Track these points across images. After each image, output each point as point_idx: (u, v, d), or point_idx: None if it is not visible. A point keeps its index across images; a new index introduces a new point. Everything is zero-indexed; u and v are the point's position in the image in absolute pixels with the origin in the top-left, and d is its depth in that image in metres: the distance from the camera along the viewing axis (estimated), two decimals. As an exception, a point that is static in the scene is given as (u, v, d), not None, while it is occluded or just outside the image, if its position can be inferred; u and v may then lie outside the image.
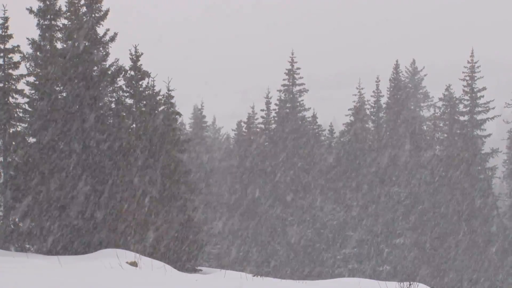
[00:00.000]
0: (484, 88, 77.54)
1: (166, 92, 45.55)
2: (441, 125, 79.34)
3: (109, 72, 43.28)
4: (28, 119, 41.57)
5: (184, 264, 42.50)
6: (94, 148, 41.62)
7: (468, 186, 73.78)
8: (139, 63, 43.54)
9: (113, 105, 43.53)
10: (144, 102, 43.43)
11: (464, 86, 77.80)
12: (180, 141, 46.10)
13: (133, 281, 22.25)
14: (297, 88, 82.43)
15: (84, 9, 43.21)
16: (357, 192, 75.54)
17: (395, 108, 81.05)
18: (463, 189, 73.66)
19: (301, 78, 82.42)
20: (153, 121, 42.94)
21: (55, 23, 42.89)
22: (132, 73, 43.55)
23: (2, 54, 40.62)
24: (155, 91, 43.92)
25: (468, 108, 77.68)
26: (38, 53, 42.23)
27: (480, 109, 77.32)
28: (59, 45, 42.92)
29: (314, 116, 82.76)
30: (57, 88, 42.06)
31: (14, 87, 40.93)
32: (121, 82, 43.79)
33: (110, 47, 43.70)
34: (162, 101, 45.04)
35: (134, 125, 43.15)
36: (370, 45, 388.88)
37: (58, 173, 40.64)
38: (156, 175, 42.31)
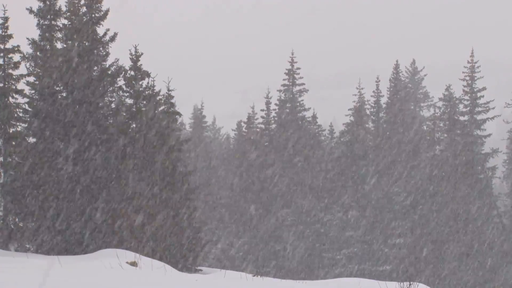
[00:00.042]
0: (484, 88, 77.55)
1: (166, 92, 45.55)
2: (441, 125, 79.34)
3: (109, 72, 43.29)
4: (28, 119, 41.58)
5: (184, 264, 42.49)
6: (94, 148, 41.61)
7: (468, 186, 73.78)
8: (139, 63, 43.53)
9: (113, 105, 43.54)
10: (144, 102, 43.42)
11: (464, 86, 77.81)
12: (180, 141, 46.09)
13: (133, 281, 22.25)
14: (297, 88, 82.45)
15: (84, 9, 43.21)
16: (356, 192, 75.55)
17: (395, 108, 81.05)
18: (463, 189, 73.64)
19: (301, 78, 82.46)
20: (152, 121, 42.93)
21: (55, 23, 42.91)
22: (132, 73, 43.54)
23: (2, 54, 40.59)
24: (155, 91, 43.90)
25: (468, 108, 77.69)
26: (38, 53, 42.23)
27: (480, 109, 77.33)
28: (59, 45, 42.93)
29: (314, 116, 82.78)
30: (57, 88, 42.06)
31: (14, 87, 40.92)
32: (121, 82, 43.81)
33: (110, 47, 43.70)
34: (162, 101, 45.02)
35: (134, 125, 43.15)
36: (370, 45, 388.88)
37: (57, 173, 40.63)
38: (156, 175, 42.30)
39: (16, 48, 40.83)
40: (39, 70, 41.85)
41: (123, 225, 40.60)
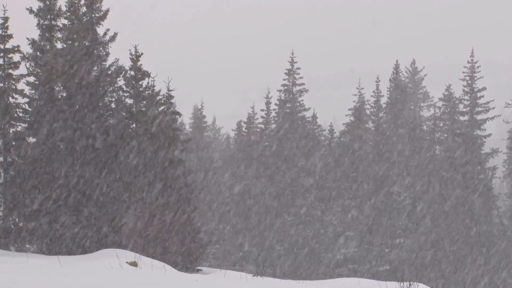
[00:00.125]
0: (484, 88, 77.53)
1: (166, 92, 45.55)
2: (441, 125, 79.33)
3: (109, 72, 43.30)
4: (28, 119, 41.59)
5: (184, 264, 42.49)
6: (94, 148, 41.60)
7: (468, 186, 73.77)
8: (139, 63, 43.54)
9: (113, 105, 43.54)
10: (144, 102, 43.42)
11: (464, 86, 77.79)
12: (180, 141, 46.09)
13: (133, 281, 22.25)
14: (297, 88, 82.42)
15: (84, 9, 43.22)
16: (357, 192, 75.53)
17: (395, 108, 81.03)
18: (463, 189, 73.63)
19: (301, 78, 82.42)
20: (153, 121, 42.93)
21: (55, 23, 42.92)
22: (132, 73, 43.55)
23: (2, 54, 40.61)
24: (155, 91, 43.90)
25: (468, 108, 77.67)
26: (38, 53, 42.24)
27: (480, 109, 77.32)
28: (59, 45, 42.94)
29: (314, 116, 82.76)
30: (57, 88, 42.07)
31: (14, 87, 40.92)
32: (121, 82, 43.81)
33: (110, 47, 43.73)
34: (162, 101, 45.02)
35: (134, 125, 43.16)
36: (370, 45, 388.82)
37: (57, 173, 40.64)
38: (156, 175, 42.30)
39: (16, 48, 40.84)
40: (39, 70, 41.85)
41: (123, 225, 40.60)
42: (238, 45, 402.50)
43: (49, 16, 42.66)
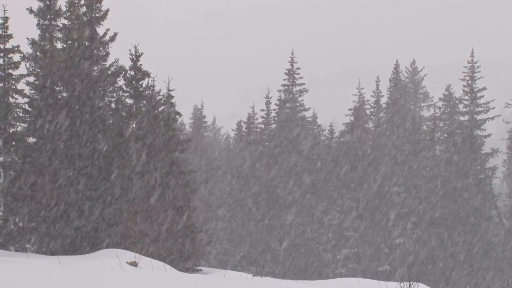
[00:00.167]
0: (484, 88, 77.53)
1: (166, 92, 45.54)
2: (441, 125, 79.34)
3: (109, 72, 43.30)
4: (28, 119, 41.59)
5: (184, 264, 42.49)
6: (94, 148, 41.61)
7: (468, 186, 73.75)
8: (139, 63, 43.52)
9: (113, 105, 43.54)
10: (144, 102, 43.42)
11: (464, 86, 77.79)
12: (180, 141, 46.08)
13: (133, 281, 22.25)
14: (297, 88, 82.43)
15: (84, 9, 43.22)
16: (357, 192, 75.53)
17: (395, 108, 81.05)
18: (463, 189, 73.62)
19: (301, 78, 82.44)
20: (153, 121, 42.92)
21: (55, 23, 42.92)
22: (132, 73, 43.54)
23: (2, 54, 40.60)
24: (155, 91, 43.90)
25: (468, 108, 77.67)
26: (38, 53, 42.24)
27: (480, 109, 77.31)
28: (59, 45, 42.94)
29: (314, 116, 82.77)
30: (57, 88, 42.07)
31: (14, 87, 40.92)
32: (121, 82, 43.81)
33: (110, 47, 43.73)
34: (162, 101, 45.02)
35: (134, 125, 43.15)
36: (370, 45, 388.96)
37: (57, 173, 40.64)
38: (156, 176, 42.30)
39: (16, 48, 40.84)
40: (39, 70, 41.85)
41: (123, 226, 40.59)
42: (238, 45, 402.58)
43: (49, 16, 42.66)
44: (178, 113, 47.16)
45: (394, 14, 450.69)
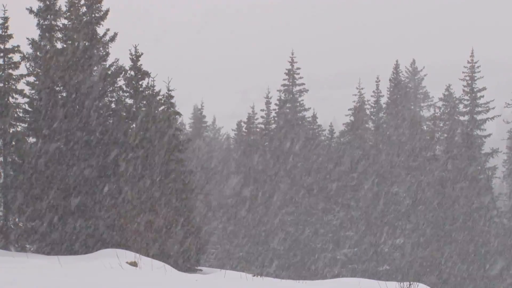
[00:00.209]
0: (484, 88, 77.55)
1: (166, 92, 45.55)
2: (441, 125, 79.33)
3: (109, 72, 43.30)
4: (28, 119, 41.58)
5: (184, 264, 42.50)
6: (94, 149, 41.61)
7: (468, 186, 73.75)
8: (139, 63, 43.53)
9: (113, 105, 43.54)
10: (144, 102, 43.42)
11: (464, 86, 77.79)
12: (180, 141, 46.08)
13: (133, 281, 22.25)
14: (297, 88, 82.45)
15: (84, 9, 43.22)
16: (357, 192, 75.52)
17: (395, 108, 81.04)
18: (463, 189, 73.62)
19: (301, 78, 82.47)
20: (153, 121, 42.92)
21: (55, 23, 42.91)
22: (132, 73, 43.55)
23: (2, 54, 40.59)
24: (155, 91, 43.91)
25: (468, 108, 77.69)
26: (38, 53, 42.23)
27: (480, 109, 77.33)
28: (59, 45, 42.93)
29: (314, 116, 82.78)
30: (57, 88, 42.06)
31: (14, 87, 40.91)
32: (121, 82, 43.82)
33: (110, 47, 43.74)
34: (162, 101, 45.03)
35: (134, 125, 43.15)
36: (370, 45, 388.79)
37: (57, 173, 40.64)
38: (156, 176, 42.30)
39: (16, 48, 40.82)
40: (39, 70, 41.84)
41: (123, 226, 40.59)
42: (238, 45, 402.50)
43: (49, 16, 42.65)
44: (178, 113, 47.17)
45: (394, 14, 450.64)
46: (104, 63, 43.47)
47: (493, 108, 77.24)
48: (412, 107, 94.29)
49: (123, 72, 43.47)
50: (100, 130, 41.84)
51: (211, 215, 78.57)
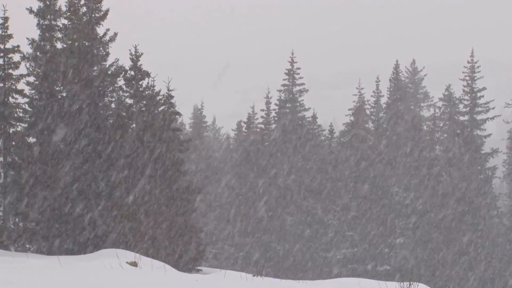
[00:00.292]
0: (484, 88, 77.54)
1: (166, 92, 45.56)
2: (441, 125, 79.32)
3: (109, 72, 43.30)
4: (28, 119, 41.59)
5: (184, 264, 42.49)
6: (94, 148, 41.61)
7: (468, 186, 73.76)
8: (139, 63, 43.54)
9: (113, 105, 43.54)
10: (144, 102, 43.43)
11: (464, 86, 77.78)
12: (180, 141, 46.09)
13: (133, 281, 22.25)
14: (297, 88, 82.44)
15: (84, 9, 43.23)
16: (357, 192, 75.52)
17: (395, 108, 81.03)
18: (463, 189, 73.63)
19: (301, 78, 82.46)
20: (153, 121, 42.92)
21: (55, 23, 42.91)
22: (132, 73, 43.55)
23: (2, 54, 40.59)
24: (155, 91, 43.92)
25: (468, 108, 77.67)
26: (38, 53, 42.23)
27: (480, 109, 77.32)
28: (59, 45, 42.94)
29: (314, 116, 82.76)
30: (57, 88, 42.07)
31: (14, 87, 40.91)
32: (121, 82, 43.83)
33: (110, 47, 43.75)
34: (162, 101, 45.03)
35: (134, 125, 43.17)
36: (370, 45, 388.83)
37: (57, 173, 40.64)
38: (156, 176, 42.30)
39: (16, 48, 40.81)
40: (39, 70, 41.84)
41: (123, 226, 40.59)
42: (238, 45, 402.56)
43: (49, 16, 42.66)
44: (178, 113, 47.18)
45: (394, 14, 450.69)
46: (104, 63, 43.47)
47: (493, 108, 77.24)
48: (412, 107, 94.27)
49: (123, 72, 43.48)
50: (100, 130, 41.83)
51: (211, 215, 78.55)
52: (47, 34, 42.50)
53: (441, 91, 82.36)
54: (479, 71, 77.40)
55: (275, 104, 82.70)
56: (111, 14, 43.82)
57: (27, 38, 42.21)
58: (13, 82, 40.89)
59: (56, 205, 40.47)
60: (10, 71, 40.80)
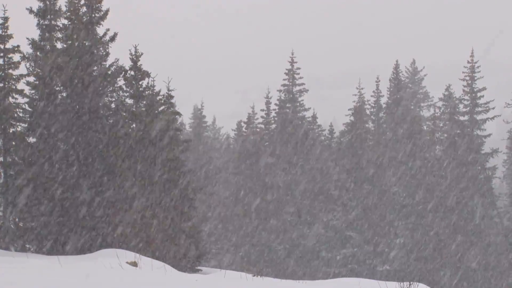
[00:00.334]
0: (484, 88, 77.51)
1: (166, 92, 45.54)
2: (441, 125, 79.31)
3: (109, 72, 43.30)
4: (28, 119, 41.58)
5: (184, 264, 42.48)
6: (94, 149, 41.60)
7: (468, 186, 73.75)
8: (139, 63, 43.53)
9: (113, 105, 43.54)
10: (144, 102, 43.43)
11: (464, 86, 77.76)
12: (180, 141, 46.07)
13: (133, 281, 22.25)
14: (297, 88, 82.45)
15: (84, 9, 43.23)
16: (357, 192, 75.51)
17: (395, 108, 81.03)
18: (463, 189, 73.62)
19: (301, 78, 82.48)
20: (153, 121, 42.91)
21: (55, 23, 42.92)
22: (132, 73, 43.54)
23: (2, 54, 40.59)
24: (155, 91, 43.91)
25: (468, 108, 77.65)
26: (38, 53, 42.23)
27: (480, 109, 77.29)
28: (59, 45, 42.94)
29: (314, 116, 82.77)
30: (57, 88, 42.06)
31: (14, 87, 40.91)
32: (121, 82, 43.82)
33: (110, 47, 43.75)
34: (162, 101, 45.02)
35: (134, 125, 43.16)
36: (370, 45, 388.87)
37: (57, 173, 40.63)
38: (156, 176, 42.29)
39: (16, 48, 40.82)
40: (39, 70, 41.84)
41: (123, 226, 40.59)
42: (238, 45, 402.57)
43: (49, 16, 42.66)
44: (178, 113, 47.16)
45: (394, 14, 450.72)
46: (104, 63, 43.47)
47: (493, 108, 77.21)
48: (412, 107, 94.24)
49: (123, 72, 43.48)
50: (100, 130, 41.82)
51: (211, 215, 78.55)
52: (47, 34, 42.50)
53: (441, 91, 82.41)
54: (479, 71, 77.41)
55: (275, 104, 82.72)
56: (111, 14, 43.85)
57: (27, 38, 42.24)
58: (13, 82, 40.90)
59: (56, 205, 40.46)
60: (10, 71, 40.80)
